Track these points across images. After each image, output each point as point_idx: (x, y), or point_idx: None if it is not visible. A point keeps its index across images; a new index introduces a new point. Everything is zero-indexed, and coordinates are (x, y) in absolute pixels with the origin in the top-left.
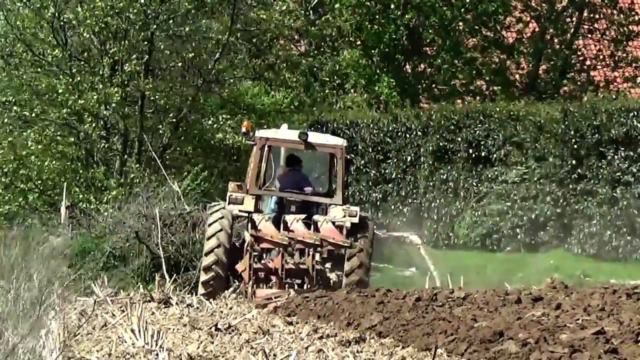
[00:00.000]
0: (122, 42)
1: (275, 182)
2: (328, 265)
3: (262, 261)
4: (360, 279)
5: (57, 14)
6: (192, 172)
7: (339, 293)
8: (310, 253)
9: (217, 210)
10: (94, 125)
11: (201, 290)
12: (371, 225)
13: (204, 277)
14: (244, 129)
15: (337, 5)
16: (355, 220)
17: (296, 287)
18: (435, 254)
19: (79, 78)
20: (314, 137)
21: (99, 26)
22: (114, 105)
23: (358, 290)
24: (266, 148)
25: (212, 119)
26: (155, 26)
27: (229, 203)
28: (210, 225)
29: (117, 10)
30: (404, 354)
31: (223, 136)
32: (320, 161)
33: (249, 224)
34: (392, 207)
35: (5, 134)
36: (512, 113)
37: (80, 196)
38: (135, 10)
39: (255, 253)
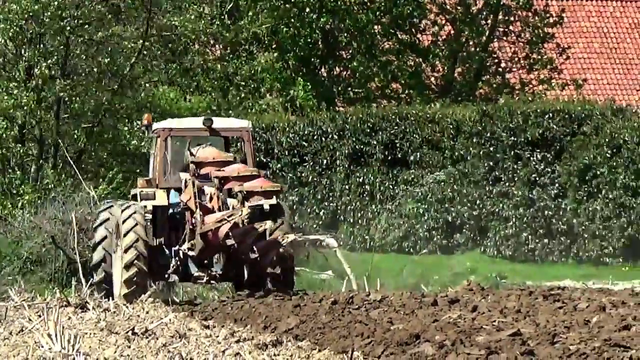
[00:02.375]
0: (38, 47)
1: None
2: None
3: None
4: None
5: None
6: (107, 177)
7: (256, 296)
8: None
9: (111, 207)
10: (5, 127)
11: (123, 289)
12: (287, 209)
13: (125, 274)
14: (145, 122)
15: (250, 13)
16: (274, 202)
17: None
18: (351, 257)
19: None
20: (218, 122)
21: (14, 30)
22: (26, 108)
23: (275, 293)
24: (169, 139)
25: (127, 124)
26: (70, 31)
27: (141, 199)
28: (124, 222)
29: (31, 14)
30: (320, 357)
31: (138, 143)
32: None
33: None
34: (309, 210)
35: None
36: (428, 115)
37: None
38: (49, 14)
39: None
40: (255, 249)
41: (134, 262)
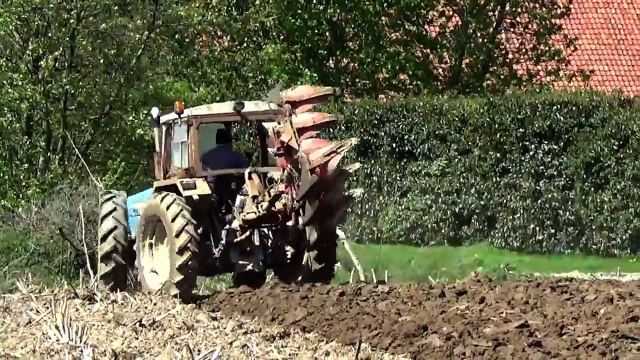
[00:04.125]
0: (43, 39)
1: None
2: None
3: None
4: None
5: None
6: (112, 168)
7: (263, 288)
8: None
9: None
10: (10, 120)
11: (177, 276)
12: None
13: (179, 260)
14: (177, 109)
15: (257, 2)
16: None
17: None
18: (359, 249)
19: None
20: (247, 106)
21: (18, 22)
22: (31, 101)
23: (282, 285)
24: (201, 126)
25: (133, 115)
26: (75, 23)
27: (183, 189)
28: (168, 207)
29: (33, 7)
30: (328, 348)
31: (143, 132)
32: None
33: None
34: None
35: None
36: (435, 107)
37: None
38: (51, 6)
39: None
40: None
41: (187, 245)
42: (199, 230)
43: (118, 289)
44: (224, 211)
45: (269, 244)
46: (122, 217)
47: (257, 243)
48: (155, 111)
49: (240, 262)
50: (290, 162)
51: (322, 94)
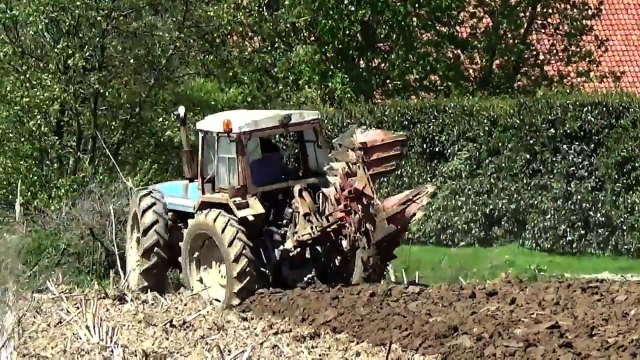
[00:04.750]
0: (73, 39)
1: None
2: None
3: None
4: None
5: (7, 10)
6: (143, 168)
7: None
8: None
9: (147, 194)
10: (40, 122)
11: (234, 300)
12: None
13: (238, 285)
14: (224, 127)
15: (286, 2)
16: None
17: None
18: None
19: (28, 75)
20: (293, 117)
21: (46, 22)
22: (59, 101)
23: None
24: (244, 142)
25: (163, 116)
26: (105, 23)
27: (237, 209)
28: (223, 230)
29: (61, 6)
30: (358, 349)
31: (172, 133)
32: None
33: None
34: None
35: None
36: (465, 108)
37: (29, 194)
38: (78, 4)
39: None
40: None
41: (247, 270)
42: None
43: (157, 287)
44: (272, 225)
45: (320, 258)
46: (162, 210)
47: (307, 256)
48: (182, 109)
49: (292, 277)
50: (361, 209)
51: (395, 139)
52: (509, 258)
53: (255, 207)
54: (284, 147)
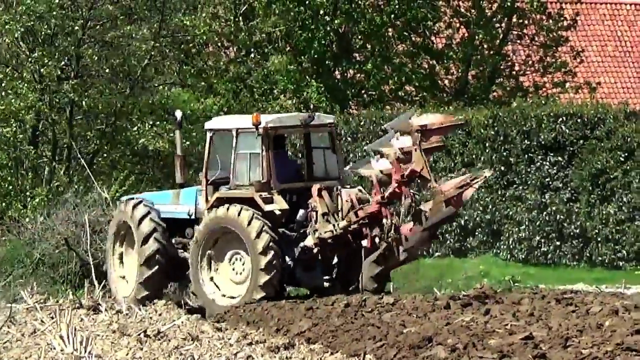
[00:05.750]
0: (49, 48)
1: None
2: None
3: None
4: None
5: None
6: (119, 179)
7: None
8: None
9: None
10: (14, 130)
11: (259, 293)
12: None
13: (264, 277)
14: (254, 121)
15: (262, 13)
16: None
17: None
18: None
19: (4, 84)
20: (316, 119)
21: (22, 31)
22: (35, 110)
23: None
24: (270, 137)
25: (139, 125)
26: (81, 32)
27: (265, 203)
28: (249, 223)
29: (38, 15)
30: (333, 359)
31: (146, 142)
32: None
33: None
34: None
35: None
36: None
37: (3, 204)
38: (54, 14)
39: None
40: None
41: (274, 262)
42: None
43: (156, 297)
44: (282, 227)
45: (333, 261)
46: (158, 219)
47: (319, 258)
48: (179, 113)
49: (304, 278)
50: (410, 193)
51: (453, 123)
52: (484, 269)
53: (280, 203)
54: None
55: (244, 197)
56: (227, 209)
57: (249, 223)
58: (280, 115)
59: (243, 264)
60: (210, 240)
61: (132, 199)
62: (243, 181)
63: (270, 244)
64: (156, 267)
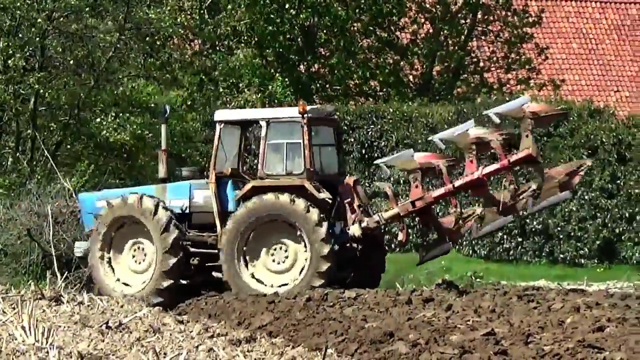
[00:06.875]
0: (13, 39)
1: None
2: None
3: None
4: None
5: None
6: (79, 170)
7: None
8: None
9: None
10: None
11: (317, 281)
12: None
13: (324, 265)
14: (301, 109)
15: (229, 7)
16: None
17: None
18: None
19: None
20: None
21: None
22: (0, 100)
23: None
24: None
25: (102, 117)
26: (46, 23)
27: (318, 192)
28: (307, 210)
29: (2, 6)
30: (294, 353)
31: (107, 134)
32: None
33: None
34: None
35: None
36: (405, 114)
37: None
38: (18, 5)
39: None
40: None
41: (334, 249)
42: None
43: (178, 288)
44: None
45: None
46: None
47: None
48: (167, 107)
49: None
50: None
51: (560, 112)
52: (446, 265)
53: (325, 192)
54: None
55: (291, 186)
56: (277, 196)
57: (307, 210)
58: (312, 106)
59: (286, 252)
60: (248, 230)
61: (135, 193)
62: (277, 171)
63: (329, 231)
64: (181, 252)
